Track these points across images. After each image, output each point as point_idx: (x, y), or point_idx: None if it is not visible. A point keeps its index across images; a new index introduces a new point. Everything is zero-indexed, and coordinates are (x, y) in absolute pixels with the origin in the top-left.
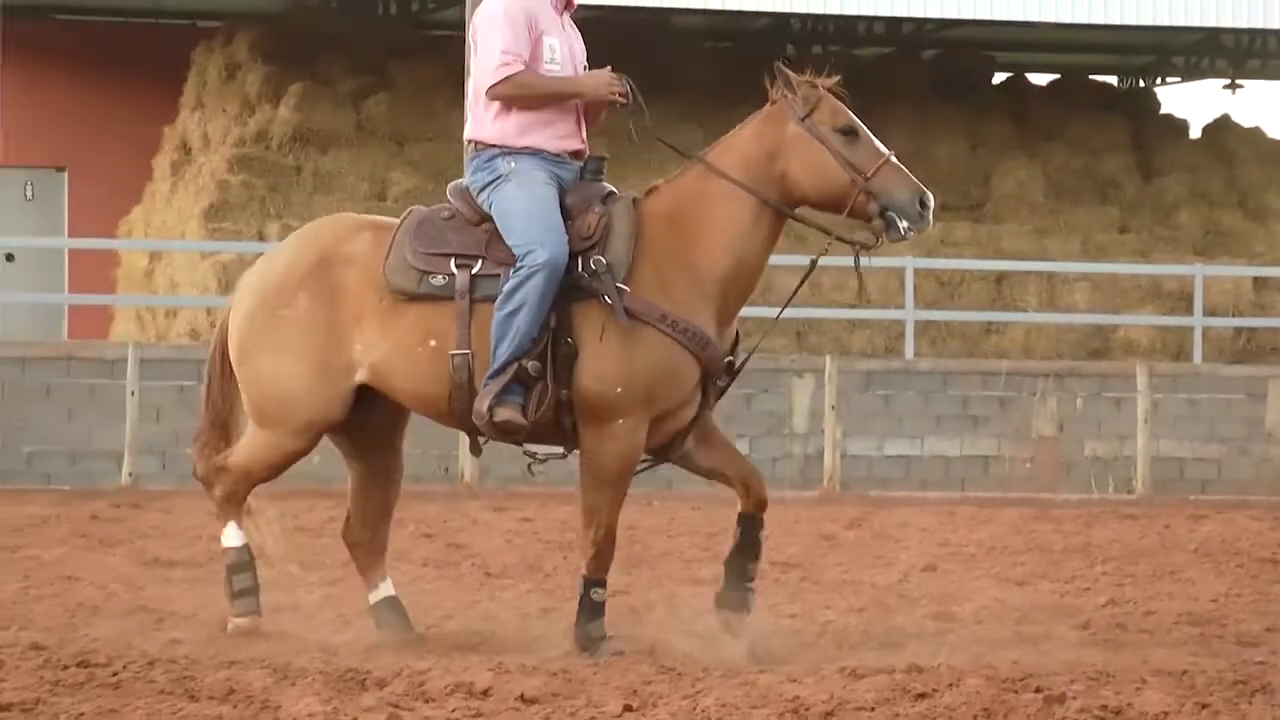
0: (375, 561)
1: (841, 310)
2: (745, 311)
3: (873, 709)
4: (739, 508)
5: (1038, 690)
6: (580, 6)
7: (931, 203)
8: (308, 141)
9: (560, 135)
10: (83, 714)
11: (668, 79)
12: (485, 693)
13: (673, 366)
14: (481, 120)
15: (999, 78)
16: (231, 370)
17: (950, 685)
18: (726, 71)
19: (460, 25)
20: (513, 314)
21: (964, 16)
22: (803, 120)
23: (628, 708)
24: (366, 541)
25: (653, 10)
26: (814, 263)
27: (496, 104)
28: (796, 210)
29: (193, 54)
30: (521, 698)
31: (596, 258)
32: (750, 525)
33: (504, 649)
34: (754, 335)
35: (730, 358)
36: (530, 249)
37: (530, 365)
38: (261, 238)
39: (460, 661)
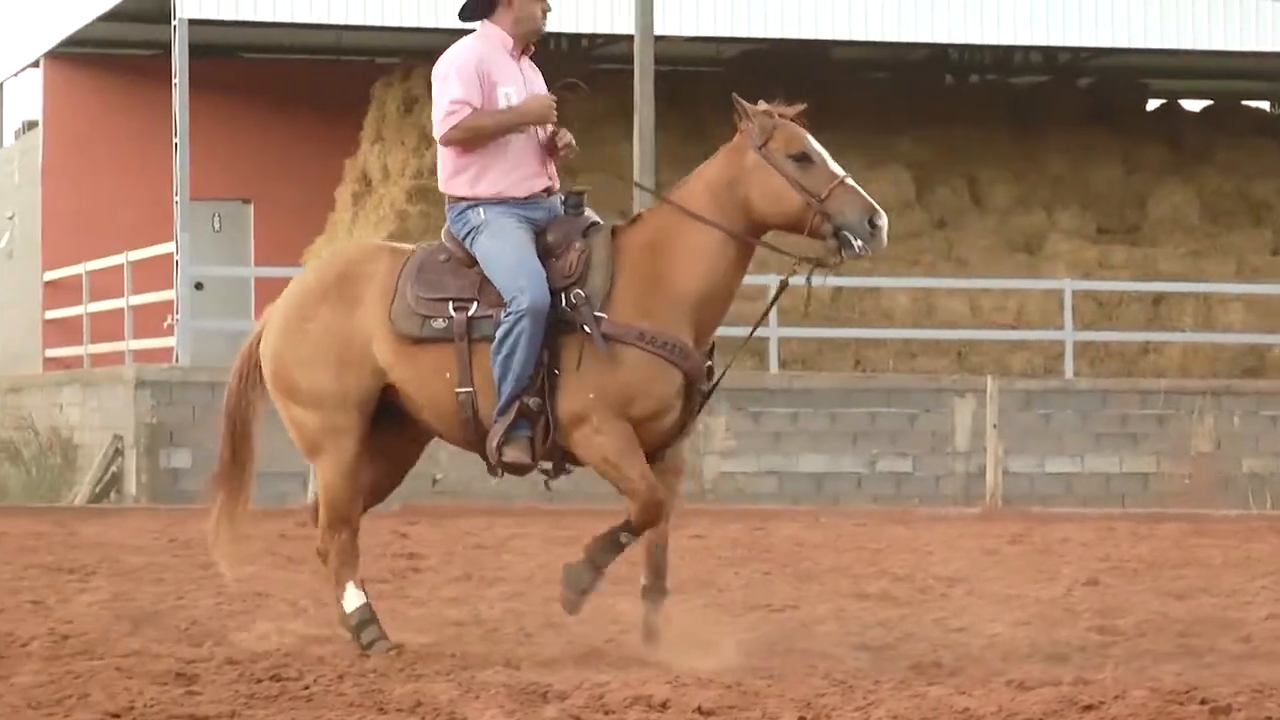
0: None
1: (1002, 331)
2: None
3: None
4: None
5: (1203, 702)
6: (740, 39)
7: (884, 222)
8: None
9: (524, 178)
10: None
11: (827, 109)
12: (663, 705)
13: (652, 377)
14: (448, 176)
15: (1153, 104)
16: (250, 388)
17: (1116, 697)
18: (886, 101)
19: (628, 59)
20: (508, 356)
21: (1118, 45)
22: (760, 149)
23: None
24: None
25: (813, 42)
26: (784, 283)
27: (460, 158)
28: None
29: (372, 89)
30: (699, 710)
31: (576, 292)
32: (652, 596)
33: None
34: (726, 354)
35: (709, 364)
36: (513, 295)
37: (531, 401)
38: None
39: (638, 674)
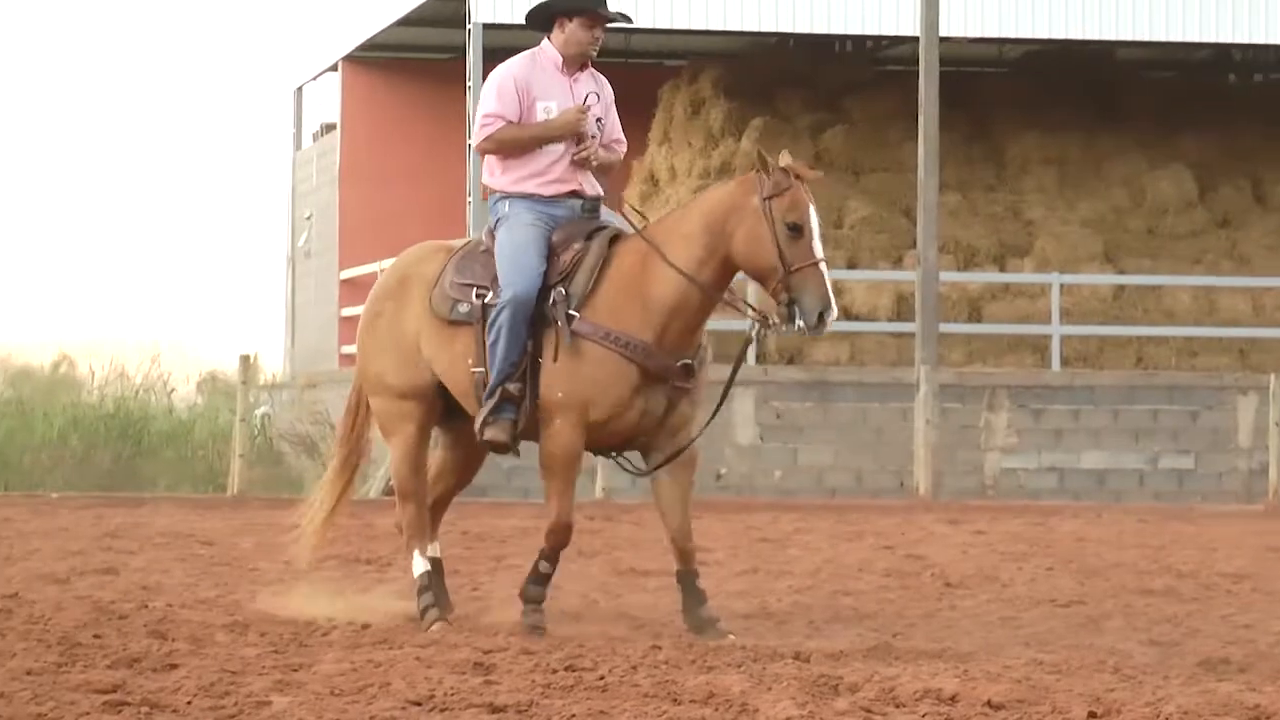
0: (432, 525)
1: None
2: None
3: None
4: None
5: None
6: (1025, 40)
7: (832, 316)
8: None
9: (549, 181)
10: (574, 715)
11: (1111, 109)
12: (953, 699)
13: (612, 374)
14: (489, 171)
15: None
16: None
17: None
18: (1169, 101)
19: (912, 60)
20: (494, 344)
21: None
22: (765, 200)
23: (1092, 714)
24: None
25: (1097, 43)
26: (749, 339)
27: (495, 158)
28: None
29: (660, 91)
30: (989, 704)
31: (559, 289)
32: (684, 580)
33: (968, 657)
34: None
35: (688, 361)
36: (503, 286)
37: (513, 386)
38: None
39: (928, 668)
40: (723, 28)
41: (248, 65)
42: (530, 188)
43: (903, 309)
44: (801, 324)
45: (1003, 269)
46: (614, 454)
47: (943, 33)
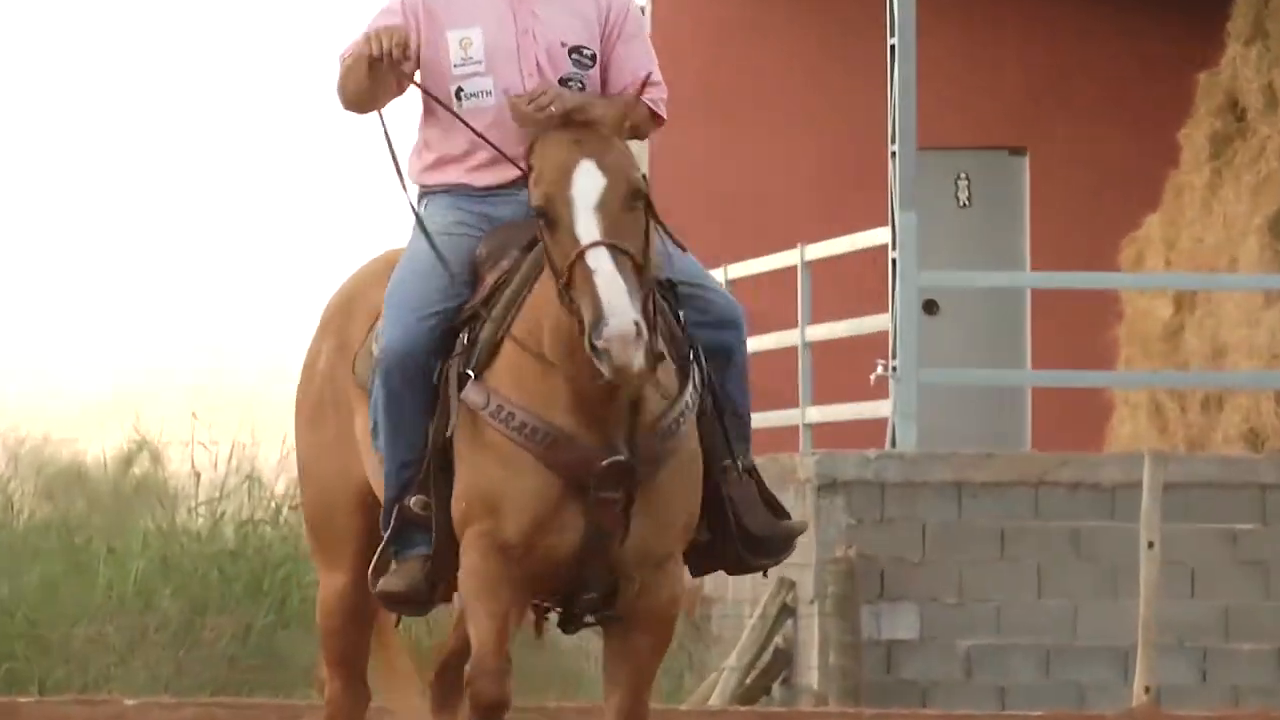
0: (454, 700)
1: None
2: None
3: None
4: None
5: None
6: None
7: (611, 330)
8: None
9: (476, 166)
10: None
11: None
12: None
13: (505, 469)
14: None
15: None
16: None
17: None
18: None
19: None
20: (374, 433)
21: None
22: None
23: None
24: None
25: None
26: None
27: (417, 139)
28: None
29: None
30: None
31: (462, 335)
32: None
33: None
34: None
35: (619, 459)
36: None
37: (414, 501)
38: None
39: None
40: None
41: None
42: (453, 178)
43: None
44: (598, 347)
45: None
46: (547, 607)
47: None
